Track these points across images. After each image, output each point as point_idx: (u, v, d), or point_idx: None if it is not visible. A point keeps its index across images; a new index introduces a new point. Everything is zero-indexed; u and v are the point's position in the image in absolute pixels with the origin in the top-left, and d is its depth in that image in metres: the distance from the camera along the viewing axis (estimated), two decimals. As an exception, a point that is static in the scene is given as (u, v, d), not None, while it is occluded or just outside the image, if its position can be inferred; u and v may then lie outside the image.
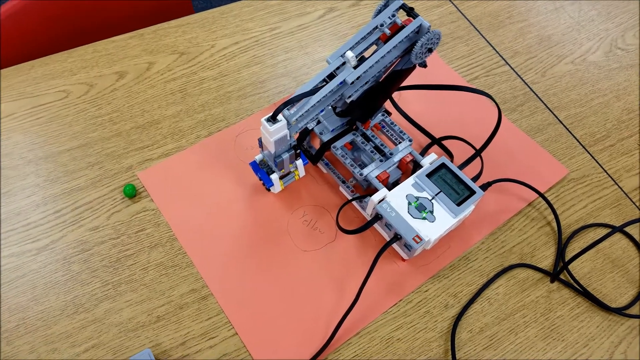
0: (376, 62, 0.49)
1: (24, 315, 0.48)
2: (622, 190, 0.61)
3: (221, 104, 0.64)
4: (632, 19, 0.79)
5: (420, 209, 0.52)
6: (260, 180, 0.55)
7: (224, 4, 0.76)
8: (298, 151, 0.53)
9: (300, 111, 0.48)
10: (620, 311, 0.51)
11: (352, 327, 0.49)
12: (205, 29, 0.71)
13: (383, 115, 0.59)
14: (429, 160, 0.55)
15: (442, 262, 0.54)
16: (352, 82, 0.48)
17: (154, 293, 0.50)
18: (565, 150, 0.64)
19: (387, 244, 0.51)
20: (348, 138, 0.57)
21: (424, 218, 0.51)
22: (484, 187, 0.56)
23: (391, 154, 0.56)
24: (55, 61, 0.66)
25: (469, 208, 0.52)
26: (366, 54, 0.52)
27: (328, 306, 0.50)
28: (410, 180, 0.54)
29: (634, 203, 0.60)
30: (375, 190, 0.55)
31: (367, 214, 0.55)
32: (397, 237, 0.51)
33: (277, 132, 0.47)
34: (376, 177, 0.54)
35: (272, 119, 0.47)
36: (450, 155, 0.60)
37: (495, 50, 0.73)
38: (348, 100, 0.51)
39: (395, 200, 0.52)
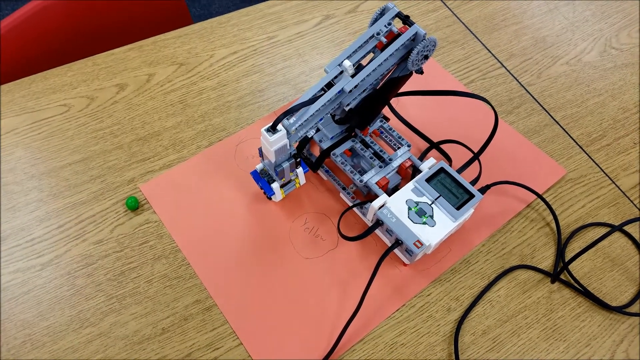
0: (373, 70, 0.49)
1: (30, 331, 0.48)
2: (620, 189, 0.61)
3: (221, 114, 0.63)
4: (626, 19, 0.78)
5: (421, 213, 0.52)
6: (262, 189, 0.54)
7: (222, 13, 0.76)
8: (298, 160, 0.53)
9: (299, 120, 0.47)
10: (620, 310, 0.51)
11: (356, 334, 0.49)
12: (203, 39, 0.71)
13: (381, 121, 0.59)
14: (428, 165, 0.55)
15: (443, 266, 0.53)
16: (350, 91, 0.48)
17: (159, 305, 0.50)
18: (562, 150, 0.63)
19: (389, 250, 0.51)
20: (347, 145, 0.57)
21: (424, 223, 0.51)
22: (483, 190, 0.55)
23: (390, 159, 0.55)
24: (56, 75, 0.66)
25: (468, 212, 0.52)
26: (363, 62, 0.52)
27: (332, 313, 0.50)
28: (410, 185, 0.53)
29: (631, 201, 0.60)
30: (375, 196, 0.55)
31: (368, 220, 0.55)
32: (398, 243, 0.51)
33: (277, 142, 0.47)
34: (376, 183, 0.54)
35: (272, 129, 0.46)
36: (448, 159, 0.60)
37: (491, 53, 0.72)
38: (347, 108, 0.51)
39: (396, 206, 0.52)
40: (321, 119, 0.50)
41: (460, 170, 0.57)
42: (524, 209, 0.58)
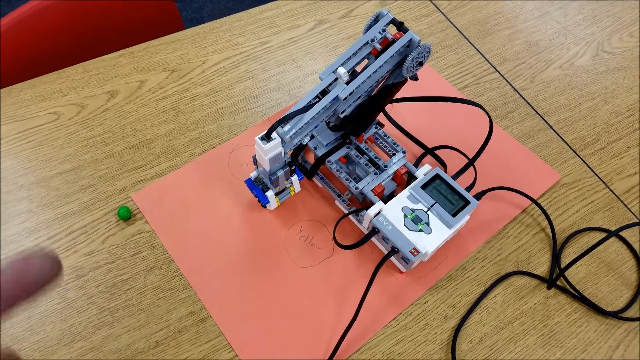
0: (368, 77, 0.48)
1: (20, 346, 0.47)
2: (614, 193, 0.61)
3: (214, 121, 0.63)
4: (617, 22, 0.79)
5: (416, 221, 0.51)
6: (256, 197, 0.54)
7: (214, 17, 0.75)
8: (293, 167, 0.52)
9: (294, 128, 0.47)
10: (616, 315, 0.51)
11: (353, 343, 0.49)
12: (196, 44, 0.70)
13: (376, 127, 0.59)
14: (423, 172, 0.55)
15: (439, 273, 0.53)
16: (345, 98, 0.48)
17: (152, 317, 0.49)
18: (556, 155, 0.64)
19: (385, 258, 0.50)
20: (342, 152, 0.56)
21: (420, 230, 0.51)
22: (478, 196, 0.55)
23: (385, 166, 0.55)
24: (45, 82, 0.65)
25: (464, 218, 0.52)
26: (358, 69, 0.52)
27: (329, 323, 0.50)
28: (405, 192, 0.53)
29: (625, 206, 0.60)
30: (371, 203, 0.54)
31: (364, 228, 0.55)
32: (394, 251, 0.51)
33: (271, 150, 0.47)
34: (371, 190, 0.53)
35: (266, 137, 0.46)
36: (443, 165, 0.60)
37: (485, 57, 0.73)
38: (341, 116, 0.51)
39: (391, 213, 0.52)
40: (316, 127, 0.50)
41: (455, 177, 0.57)
42: (519, 214, 0.58)
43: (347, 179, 0.54)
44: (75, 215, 0.55)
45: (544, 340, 0.50)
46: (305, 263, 0.53)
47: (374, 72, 0.49)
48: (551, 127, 0.66)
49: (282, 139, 0.47)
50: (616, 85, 0.72)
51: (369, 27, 0.50)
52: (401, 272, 0.53)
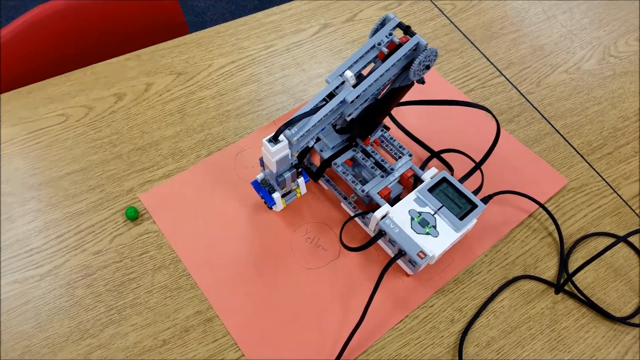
0: (375, 80, 0.50)
1: (28, 342, 0.48)
2: (622, 198, 0.62)
3: (220, 123, 0.64)
4: (623, 26, 0.80)
5: (423, 224, 0.52)
6: (262, 199, 0.55)
7: (216, 21, 0.77)
8: (300, 170, 0.54)
9: (301, 131, 0.48)
10: (625, 320, 0.52)
11: (359, 346, 0.50)
12: (201, 48, 0.72)
13: (382, 130, 0.60)
14: (430, 175, 0.56)
15: (446, 276, 0.54)
16: (352, 101, 0.49)
17: (159, 316, 0.50)
18: (563, 159, 0.65)
19: (392, 261, 0.51)
20: (348, 154, 0.58)
21: (428, 233, 0.52)
22: (485, 200, 0.56)
23: (392, 169, 0.56)
24: (54, 85, 0.67)
25: (471, 222, 0.53)
26: (364, 72, 0.54)
27: (334, 324, 0.51)
28: (412, 195, 0.54)
29: (633, 211, 0.61)
30: (377, 206, 0.56)
31: (370, 230, 0.56)
32: (401, 254, 0.52)
33: (278, 153, 0.48)
34: (378, 193, 0.55)
35: (274, 140, 0.47)
36: (450, 168, 0.61)
37: (490, 61, 0.74)
38: (348, 119, 0.52)
39: (398, 216, 0.53)
40: (322, 129, 0.51)
41: (462, 180, 0.58)
42: (526, 218, 0.59)
43: (353, 182, 0.56)
44: (84, 214, 0.56)
45: (552, 345, 0.51)
46: (311, 265, 0.54)
47: (380, 76, 0.50)
48: (558, 132, 0.67)
49: (289, 142, 0.48)
50: (623, 89, 0.73)
51: (376, 30, 0.52)
52: (407, 275, 0.54)
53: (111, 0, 0.79)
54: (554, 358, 0.50)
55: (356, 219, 0.58)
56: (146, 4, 0.83)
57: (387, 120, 0.66)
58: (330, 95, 0.50)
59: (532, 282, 0.55)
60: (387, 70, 0.50)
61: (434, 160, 0.63)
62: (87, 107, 0.65)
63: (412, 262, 0.52)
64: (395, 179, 0.57)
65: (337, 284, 0.53)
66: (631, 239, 0.58)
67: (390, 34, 0.50)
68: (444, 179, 0.55)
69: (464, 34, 0.77)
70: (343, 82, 0.50)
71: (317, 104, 0.49)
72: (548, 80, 0.73)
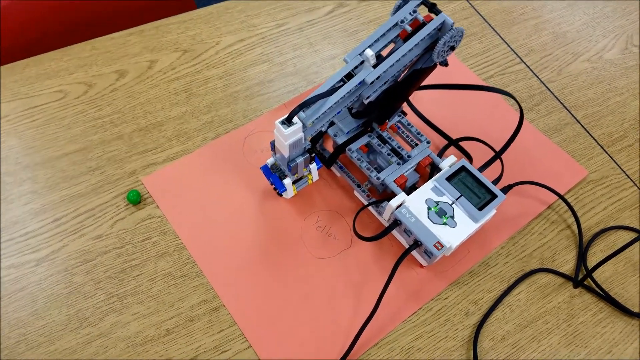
0: (397, 60, 0.48)
1: (24, 330, 0.46)
2: (642, 192, 0.61)
3: (228, 105, 0.62)
4: (647, 15, 0.79)
5: (441, 214, 0.51)
6: (272, 185, 0.53)
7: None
8: (313, 155, 0.52)
9: (316, 113, 0.47)
10: (644, 317, 0.52)
11: (371, 338, 0.49)
12: (209, 24, 0.69)
13: (399, 116, 0.59)
14: (449, 163, 0.55)
15: (461, 268, 0.53)
16: (372, 82, 0.48)
17: (163, 305, 0.49)
18: (583, 150, 0.63)
19: (407, 251, 0.50)
20: (364, 140, 0.56)
21: (445, 224, 0.51)
22: (505, 190, 0.55)
23: (409, 156, 0.55)
24: (51, 59, 0.64)
25: (490, 212, 0.51)
26: (383, 53, 0.52)
27: (345, 316, 0.49)
28: (430, 184, 0.53)
29: (654, 205, 0.60)
30: (392, 194, 0.54)
31: (384, 220, 0.55)
32: (417, 244, 0.51)
33: (292, 136, 0.46)
34: (394, 181, 0.53)
35: (287, 122, 0.46)
36: (469, 157, 0.60)
37: (510, 47, 0.72)
38: (366, 101, 0.50)
39: (414, 205, 0.51)
40: (339, 112, 0.50)
41: (481, 169, 0.57)
42: (544, 210, 0.58)
43: (368, 169, 0.54)
44: (83, 197, 0.54)
45: (568, 340, 0.50)
46: (321, 254, 0.53)
47: (403, 56, 0.48)
48: (578, 122, 0.66)
49: (303, 124, 0.47)
50: (645, 80, 0.72)
51: (398, 8, 0.50)
52: (422, 267, 0.53)
53: (111, -28, 0.76)
54: (570, 353, 0.49)
55: (369, 208, 0.56)
56: (148, -22, 0.80)
57: (404, 106, 0.64)
58: (349, 76, 0.48)
59: (549, 275, 0.54)
60: (409, 50, 0.48)
61: (452, 149, 0.61)
62: (86, 84, 0.63)
63: (427, 253, 0.51)
64: (412, 167, 0.55)
65: (349, 274, 0.52)
66: None
67: (415, 11, 0.48)
68: (463, 168, 0.54)
69: (484, 18, 0.75)
70: (362, 62, 0.48)
71: (334, 85, 0.48)
72: (569, 69, 0.71)
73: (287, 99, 0.64)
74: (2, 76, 0.62)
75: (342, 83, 0.48)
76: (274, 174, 0.53)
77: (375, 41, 0.49)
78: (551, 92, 0.68)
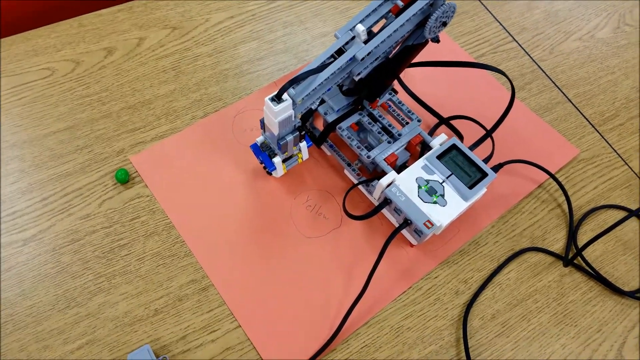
0: (388, 36, 0.43)
1: (12, 311, 0.43)
2: (633, 171, 0.57)
3: (217, 83, 0.57)
4: (640, -6, 0.73)
5: (431, 192, 0.47)
6: (262, 163, 0.49)
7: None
8: (303, 133, 0.47)
9: (306, 90, 0.42)
10: (633, 295, 0.48)
11: (360, 317, 0.45)
12: (198, 1, 0.63)
13: (390, 94, 0.54)
14: (439, 142, 0.50)
15: (451, 247, 0.49)
16: (363, 59, 0.43)
17: (151, 285, 0.45)
18: (574, 129, 0.59)
19: (397, 230, 0.46)
20: (354, 118, 0.51)
21: (435, 202, 0.47)
22: (496, 168, 0.51)
23: (399, 135, 0.51)
24: (38, 36, 0.59)
25: (481, 191, 0.48)
26: (374, 29, 0.47)
27: (335, 295, 0.46)
28: (420, 162, 0.49)
29: (643, 184, 0.56)
30: (382, 173, 0.50)
31: (375, 199, 0.51)
32: (407, 223, 0.47)
33: (282, 113, 0.42)
34: (384, 159, 0.49)
35: (277, 99, 0.41)
36: (460, 136, 0.56)
37: (502, 26, 0.67)
38: (356, 78, 0.46)
39: (405, 184, 0.47)
40: (329, 89, 0.45)
41: (472, 148, 0.52)
42: (535, 189, 0.54)
43: (358, 147, 0.50)
44: (71, 176, 0.50)
45: (558, 319, 0.47)
46: (311, 233, 0.49)
47: (394, 31, 0.43)
48: (570, 101, 0.61)
49: (293, 101, 0.42)
50: (638, 59, 0.67)
51: (390, -20, 0.45)
52: (412, 246, 0.50)
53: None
54: (560, 332, 0.46)
55: (360, 186, 0.52)
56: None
57: (395, 84, 0.59)
58: (339, 52, 0.43)
59: (539, 254, 0.50)
60: (401, 26, 0.43)
61: (443, 127, 0.57)
62: (74, 62, 0.57)
63: (417, 232, 0.47)
64: (403, 145, 0.51)
65: (339, 254, 0.48)
66: None
67: (407, -17, 0.43)
68: (453, 146, 0.50)
69: (475, -4, 0.69)
70: (353, 38, 0.43)
71: (324, 61, 0.43)
72: (561, 48, 0.66)
73: (277, 77, 0.59)
74: (-12, 54, 0.57)
75: (332, 59, 0.43)
76: (264, 153, 0.48)
77: (367, 16, 0.44)
78: (543, 70, 0.64)
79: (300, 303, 0.45)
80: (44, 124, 0.53)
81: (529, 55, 0.65)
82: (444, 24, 0.46)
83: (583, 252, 0.50)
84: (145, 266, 0.46)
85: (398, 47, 0.48)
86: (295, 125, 0.46)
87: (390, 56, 0.47)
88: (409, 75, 0.60)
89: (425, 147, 0.52)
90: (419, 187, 0.47)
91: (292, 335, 0.44)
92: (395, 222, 0.50)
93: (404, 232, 0.50)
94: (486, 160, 0.52)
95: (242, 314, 0.45)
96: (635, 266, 0.50)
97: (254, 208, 0.50)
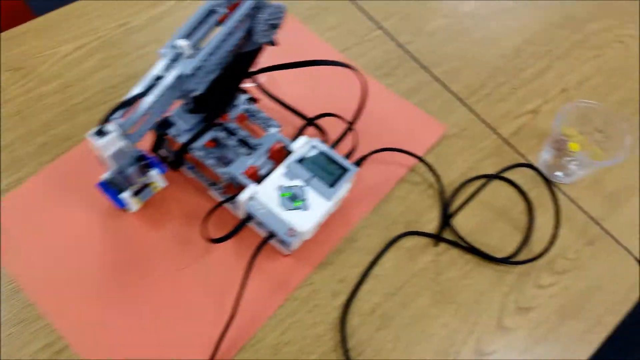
0: (216, 47, 0.42)
1: None
2: (501, 137, 0.59)
3: (66, 120, 0.54)
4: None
5: (293, 198, 0.47)
6: (112, 201, 0.47)
7: (66, 3, 0.65)
8: (148, 161, 0.46)
9: (134, 116, 0.40)
10: (507, 260, 0.50)
11: (234, 344, 0.44)
12: (45, 35, 0.60)
13: (247, 103, 0.53)
14: (299, 145, 0.50)
15: (326, 248, 0.49)
16: (193, 74, 0.42)
17: None
18: (442, 106, 0.60)
19: (261, 245, 0.46)
20: (210, 135, 0.50)
21: (298, 208, 0.47)
22: (359, 161, 0.51)
23: (258, 145, 0.50)
24: None
25: (343, 187, 0.48)
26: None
27: (210, 324, 0.45)
28: (280, 169, 0.48)
29: (513, 147, 0.58)
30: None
31: (242, 216, 0.50)
32: (271, 235, 0.46)
33: (110, 146, 0.40)
34: (243, 173, 0.48)
35: (100, 132, 0.39)
36: (327, 134, 0.55)
37: (367, 15, 0.67)
38: (192, 95, 0.44)
39: (266, 195, 0.47)
40: (164, 111, 0.44)
41: (335, 144, 0.53)
42: (406, 174, 0.54)
43: (214, 165, 0.49)
44: None
45: (436, 299, 0.48)
46: (181, 264, 0.47)
47: (222, 41, 0.43)
48: (436, 79, 0.63)
49: (122, 131, 0.40)
50: (502, 27, 0.69)
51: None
52: (285, 255, 0.49)
53: None
54: (439, 311, 0.47)
55: (227, 205, 0.51)
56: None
57: (255, 92, 0.58)
58: (165, 70, 0.42)
59: (414, 237, 0.51)
60: (229, 34, 0.42)
61: (311, 129, 0.57)
62: None
63: (284, 242, 0.47)
64: (264, 155, 0.50)
65: (212, 281, 0.47)
66: (513, 177, 0.55)
67: (222, -7, 0.42)
68: (313, 147, 0.50)
69: (336, -13, 0.70)
70: (181, 54, 0.42)
71: (150, 83, 0.41)
72: (428, 28, 0.67)
73: (135, 104, 0.57)
74: None
75: (159, 79, 0.42)
76: (111, 189, 0.46)
77: (195, 29, 0.43)
78: (409, 53, 0.65)
79: (174, 342, 0.44)
80: None
81: (395, 40, 0.66)
82: (274, 27, 0.46)
83: (457, 226, 0.51)
84: (-5, 337, 0.43)
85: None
86: (133, 156, 0.44)
87: (227, 67, 0.47)
88: (273, 79, 0.60)
89: (290, 153, 0.52)
90: (281, 195, 0.47)
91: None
92: (264, 235, 0.49)
93: (274, 243, 0.49)
94: (349, 155, 0.52)
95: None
96: (510, 231, 0.52)
97: (114, 251, 0.47)
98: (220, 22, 0.44)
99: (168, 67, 0.42)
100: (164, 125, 0.50)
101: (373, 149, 0.55)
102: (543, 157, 0.56)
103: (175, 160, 0.50)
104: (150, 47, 0.61)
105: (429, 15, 0.69)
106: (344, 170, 0.48)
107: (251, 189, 0.47)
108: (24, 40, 0.59)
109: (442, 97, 0.61)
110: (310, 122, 0.56)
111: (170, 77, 0.41)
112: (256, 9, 0.44)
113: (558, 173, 0.55)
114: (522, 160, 0.57)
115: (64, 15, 0.63)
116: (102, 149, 0.40)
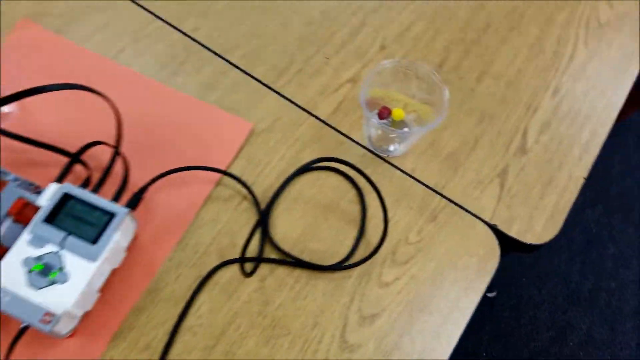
0: None
1: None
2: (319, 119, 0.52)
3: None
4: None
5: (47, 271, 0.36)
6: None
7: None
8: None
9: None
10: (339, 266, 0.43)
11: None
12: None
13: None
14: (46, 197, 0.39)
15: (121, 313, 0.40)
16: None
17: None
18: (247, 97, 0.52)
19: (16, 339, 0.35)
20: None
21: (54, 282, 0.36)
22: (136, 198, 0.42)
23: (-9, 209, 0.38)
24: None
25: (112, 239, 0.38)
26: None
27: None
28: (24, 237, 0.37)
29: (333, 128, 0.51)
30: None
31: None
32: (26, 327, 0.36)
33: None
34: (-30, 256, 0.37)
35: None
36: (90, 170, 0.44)
37: (140, 5, 0.56)
38: None
39: (10, 275, 0.36)
40: None
41: (99, 184, 0.42)
42: (213, 190, 0.46)
43: None
44: None
45: (267, 335, 0.40)
46: None
47: None
48: (234, 66, 0.54)
49: None
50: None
51: None
52: (71, 336, 0.39)
53: None
54: (272, 349, 0.40)
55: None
56: None
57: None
58: None
59: (231, 267, 0.43)
60: None
61: (78, 166, 0.45)
62: None
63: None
64: (6, 220, 0.39)
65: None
66: (339, 166, 0.47)
67: None
68: (66, 196, 0.39)
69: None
70: None
71: None
72: (216, 7, 0.58)
73: None
74: None
75: None
76: None
77: None
78: (198, 42, 0.54)
79: None
80: None
81: (178, 29, 0.55)
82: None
83: (278, 240, 0.44)
84: None
85: None
86: None
87: None
88: (27, 113, 0.47)
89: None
90: (29, 271, 0.36)
91: None
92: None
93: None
94: (120, 192, 0.42)
95: None
96: (343, 227, 0.46)
97: None
98: None
99: None
100: None
101: (165, 169, 0.45)
102: (366, 134, 0.51)
103: None
104: None
105: (221, -8, 0.59)
106: (110, 215, 0.39)
107: (-16, 275, 0.36)
108: None
109: (245, 87, 0.53)
110: (77, 158, 0.44)
111: None
112: None
113: (387, 146, 0.50)
114: (345, 140, 0.50)
115: None
116: None
